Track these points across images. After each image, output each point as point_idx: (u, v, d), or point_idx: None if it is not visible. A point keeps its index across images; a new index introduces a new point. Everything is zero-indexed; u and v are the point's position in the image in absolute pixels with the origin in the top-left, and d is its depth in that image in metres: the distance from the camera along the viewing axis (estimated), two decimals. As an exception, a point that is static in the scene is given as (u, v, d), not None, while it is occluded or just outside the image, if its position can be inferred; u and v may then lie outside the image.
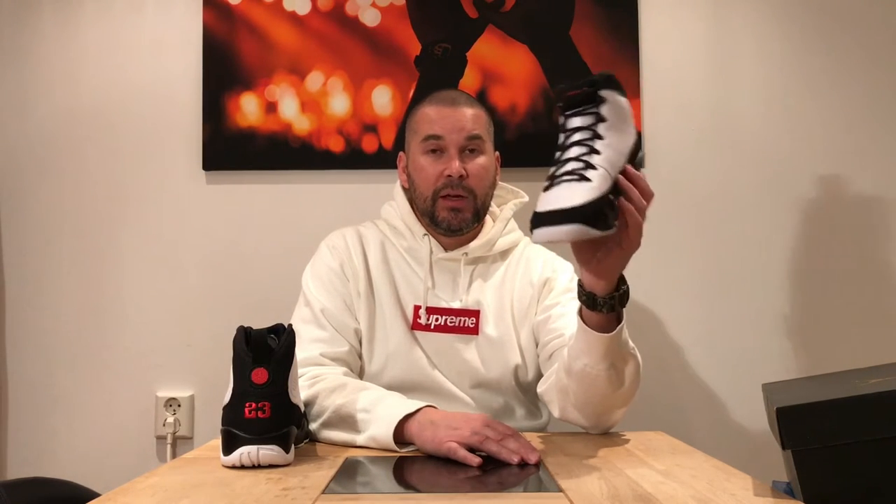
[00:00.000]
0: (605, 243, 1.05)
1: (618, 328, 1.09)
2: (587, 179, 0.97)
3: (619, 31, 1.87)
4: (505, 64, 1.87)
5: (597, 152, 1.00)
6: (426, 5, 1.88)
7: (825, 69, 1.89)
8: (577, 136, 1.02)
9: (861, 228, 1.87)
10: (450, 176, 1.37)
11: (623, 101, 1.05)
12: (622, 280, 1.09)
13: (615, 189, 1.01)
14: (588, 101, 1.03)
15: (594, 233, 0.96)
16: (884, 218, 1.87)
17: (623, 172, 1.02)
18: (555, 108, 1.07)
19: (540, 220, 0.97)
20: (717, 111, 1.88)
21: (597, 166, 0.99)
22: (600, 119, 1.02)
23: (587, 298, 1.08)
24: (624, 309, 1.10)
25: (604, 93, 1.02)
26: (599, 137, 1.01)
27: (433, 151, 1.40)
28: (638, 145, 1.07)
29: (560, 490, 0.90)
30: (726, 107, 1.88)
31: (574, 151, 1.01)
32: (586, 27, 1.87)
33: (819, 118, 1.89)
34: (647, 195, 1.04)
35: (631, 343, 1.16)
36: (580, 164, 0.99)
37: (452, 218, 1.39)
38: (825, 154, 1.88)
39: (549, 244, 0.97)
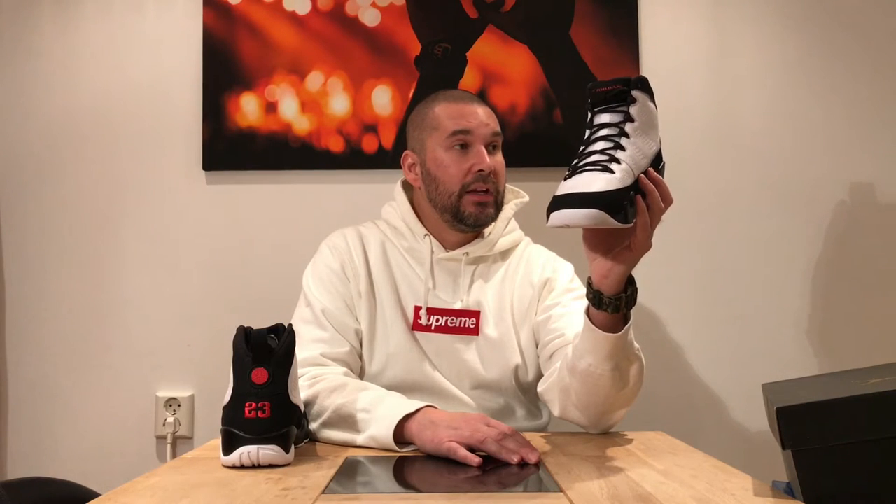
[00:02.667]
0: (616, 242, 1.05)
1: (624, 329, 1.10)
2: (610, 171, 0.98)
3: (619, 31, 1.87)
4: (505, 64, 1.87)
5: (622, 148, 1.01)
6: (426, 5, 1.88)
7: (826, 69, 1.89)
8: (603, 132, 1.02)
9: (862, 229, 1.87)
10: (481, 170, 1.37)
11: (653, 107, 1.05)
12: (631, 282, 1.09)
13: (636, 187, 1.02)
14: (619, 100, 1.03)
15: (612, 222, 0.96)
16: (886, 219, 1.87)
17: (645, 174, 1.03)
18: (585, 103, 1.06)
19: (558, 202, 0.97)
20: (717, 111, 1.88)
21: (621, 161, 1.00)
22: (629, 118, 1.02)
23: (594, 296, 1.09)
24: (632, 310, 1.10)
25: (636, 94, 1.02)
26: (626, 136, 1.01)
27: (461, 146, 1.39)
28: (660, 155, 1.07)
29: (560, 490, 0.90)
30: (727, 107, 1.88)
31: (599, 145, 1.01)
32: (586, 27, 1.87)
33: (821, 119, 1.88)
34: (667, 200, 1.05)
35: (636, 345, 1.16)
36: (605, 157, 1.00)
37: (480, 213, 1.38)
38: (826, 154, 1.88)
39: (565, 228, 0.97)
